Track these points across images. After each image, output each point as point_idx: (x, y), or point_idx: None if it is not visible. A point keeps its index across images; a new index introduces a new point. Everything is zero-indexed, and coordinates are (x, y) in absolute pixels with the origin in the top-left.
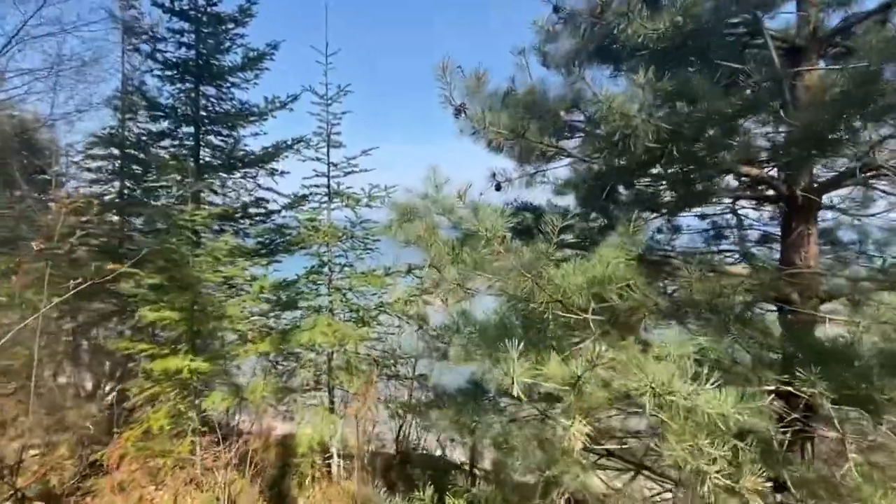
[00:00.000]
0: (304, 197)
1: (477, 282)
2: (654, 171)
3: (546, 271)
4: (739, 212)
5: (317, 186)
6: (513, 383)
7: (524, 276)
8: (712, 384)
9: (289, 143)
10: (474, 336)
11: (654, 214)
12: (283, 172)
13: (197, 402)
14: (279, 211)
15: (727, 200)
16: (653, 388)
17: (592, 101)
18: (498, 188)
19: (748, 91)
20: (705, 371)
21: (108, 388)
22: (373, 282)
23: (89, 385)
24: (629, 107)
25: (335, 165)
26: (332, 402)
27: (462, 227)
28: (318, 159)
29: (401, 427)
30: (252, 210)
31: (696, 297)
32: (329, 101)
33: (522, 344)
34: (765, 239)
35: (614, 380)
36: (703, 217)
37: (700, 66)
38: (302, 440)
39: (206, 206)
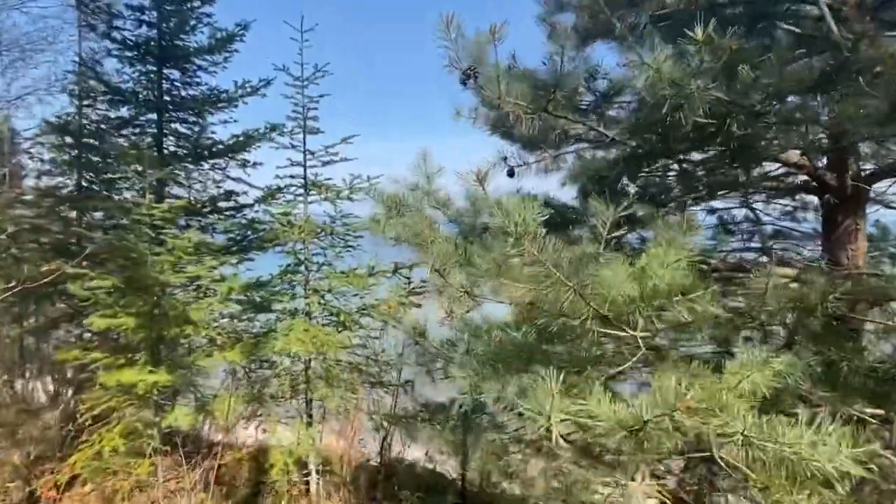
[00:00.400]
0: (279, 189)
1: (485, 287)
2: (678, 157)
3: (594, 279)
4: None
5: (292, 177)
6: (549, 423)
7: (563, 285)
8: (810, 424)
9: (261, 131)
10: (485, 354)
11: (663, 209)
12: (255, 164)
13: (157, 418)
14: (251, 205)
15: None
16: (745, 435)
17: (636, 67)
18: (511, 174)
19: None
20: (788, 402)
21: (67, 398)
22: (355, 282)
23: (45, 395)
24: (681, 73)
25: (312, 154)
26: (309, 415)
27: (463, 222)
28: (294, 146)
29: (385, 437)
30: (221, 204)
31: (768, 307)
32: (305, 83)
33: (553, 370)
34: (777, 235)
35: (685, 421)
36: (712, 212)
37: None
38: (276, 459)
39: (171, 200)
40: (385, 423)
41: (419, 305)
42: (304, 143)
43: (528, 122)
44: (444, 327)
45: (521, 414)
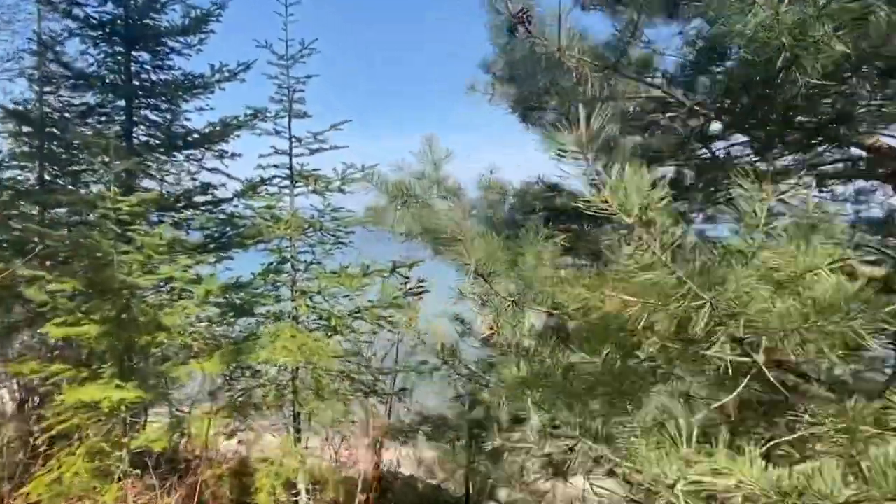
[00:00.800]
0: (262, 181)
1: (541, 297)
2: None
3: (724, 286)
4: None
5: (275, 167)
6: (673, 494)
7: (694, 298)
8: None
9: (241, 118)
10: (553, 386)
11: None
12: (234, 155)
13: (126, 438)
14: (231, 199)
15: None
16: None
17: (745, 8)
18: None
19: None
20: None
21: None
22: (347, 283)
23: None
24: (801, 15)
25: (299, 141)
26: (297, 431)
27: (496, 214)
28: (278, 132)
29: (379, 451)
30: (198, 198)
31: None
32: (290, 62)
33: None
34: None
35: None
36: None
37: None
38: (262, 483)
39: (141, 194)
40: (381, 437)
41: (417, 308)
42: (290, 128)
43: (595, 81)
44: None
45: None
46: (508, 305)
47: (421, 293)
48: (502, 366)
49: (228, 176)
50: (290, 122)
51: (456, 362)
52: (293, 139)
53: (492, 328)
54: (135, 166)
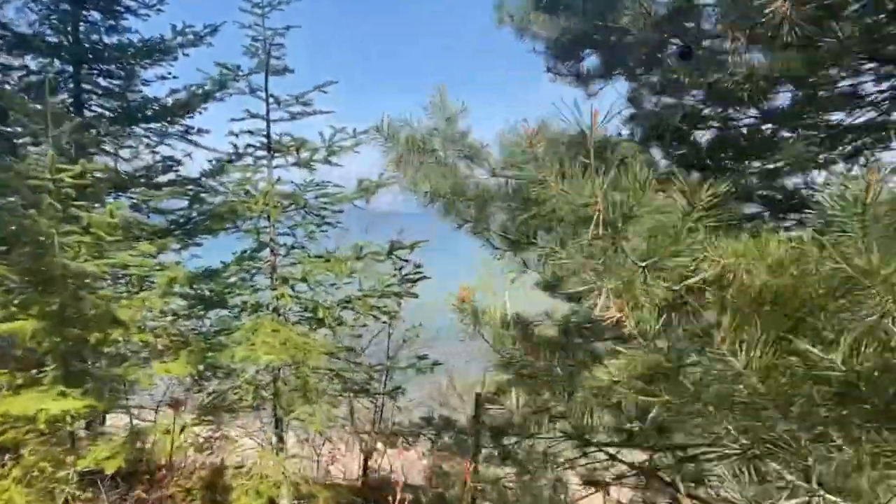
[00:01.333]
0: (236, 152)
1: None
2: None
3: None
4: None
5: (250, 133)
6: None
7: None
8: None
9: (208, 85)
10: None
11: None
12: (200, 130)
13: (72, 456)
14: (198, 179)
15: None
16: None
17: None
18: (687, 55)
19: None
20: None
21: None
22: (336, 268)
23: None
24: None
25: (277, 103)
26: (280, 438)
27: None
28: (253, 90)
29: (370, 456)
30: (160, 179)
31: None
32: (266, 9)
33: None
34: None
35: None
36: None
37: None
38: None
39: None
40: (377, 441)
41: (415, 295)
42: (266, 87)
43: None
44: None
45: None
46: (638, 271)
47: (419, 279)
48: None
49: (195, 145)
50: (266, 79)
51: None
52: (270, 99)
53: (619, 308)
54: (86, 139)
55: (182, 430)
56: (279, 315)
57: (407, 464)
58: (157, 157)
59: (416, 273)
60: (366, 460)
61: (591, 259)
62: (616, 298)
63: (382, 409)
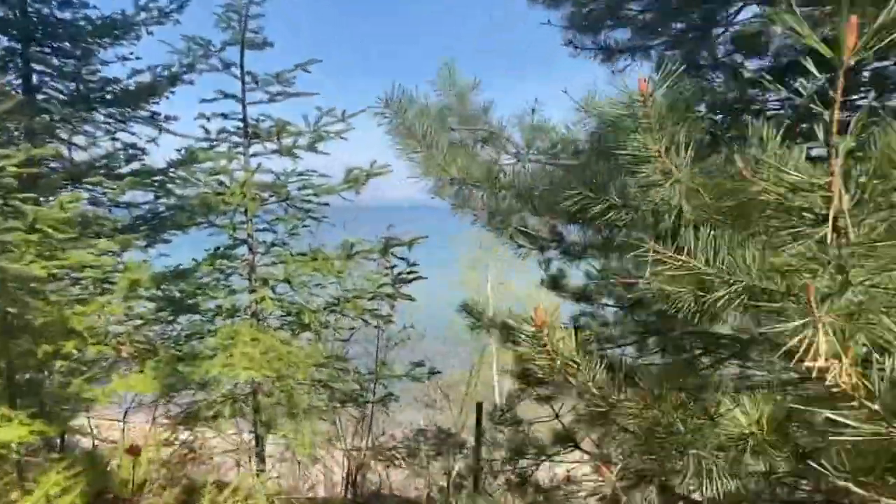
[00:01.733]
0: (210, 142)
1: None
2: None
3: None
4: None
5: (224, 117)
6: None
7: None
8: None
9: (175, 68)
10: None
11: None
12: (168, 118)
13: (16, 493)
14: (166, 169)
15: None
16: None
17: None
18: None
19: None
20: None
21: None
22: (324, 267)
23: None
24: None
25: (255, 82)
26: (260, 458)
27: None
28: (227, 66)
29: (358, 471)
30: (123, 170)
31: None
32: None
33: None
34: None
35: None
36: None
37: None
38: None
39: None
40: (370, 459)
41: (411, 298)
42: (242, 63)
43: None
44: None
45: None
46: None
47: (414, 280)
48: None
49: (164, 130)
50: (242, 53)
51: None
52: (247, 77)
53: (831, 360)
54: (36, 124)
55: (150, 448)
56: (259, 320)
57: (398, 473)
58: (119, 145)
59: (410, 272)
60: (354, 473)
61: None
62: (837, 341)
63: (372, 417)
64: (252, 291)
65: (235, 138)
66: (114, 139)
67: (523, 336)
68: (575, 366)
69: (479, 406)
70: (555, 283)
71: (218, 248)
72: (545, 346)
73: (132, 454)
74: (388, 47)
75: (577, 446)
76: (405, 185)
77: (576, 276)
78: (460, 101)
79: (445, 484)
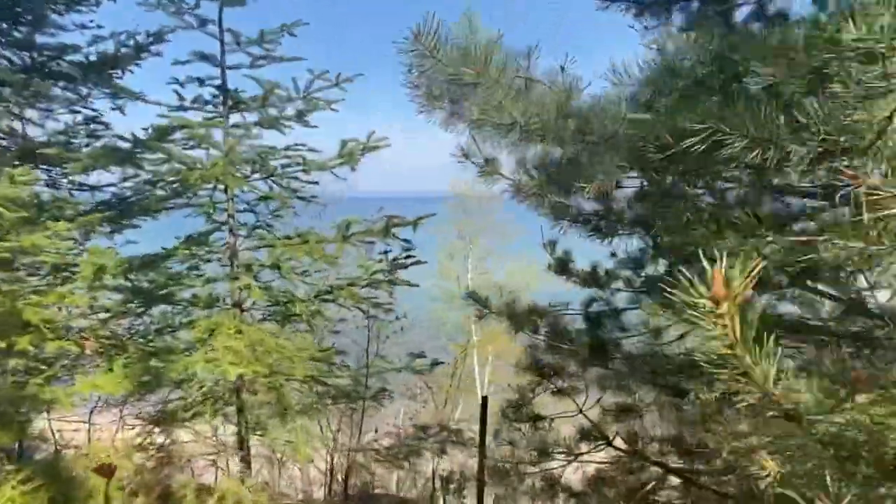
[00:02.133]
0: (185, 110)
1: None
2: None
3: None
4: None
5: (200, 82)
6: None
7: None
8: None
9: (141, 39)
10: None
11: None
12: (137, 97)
13: None
14: (134, 144)
15: None
16: None
17: None
18: None
19: None
20: None
21: None
22: (317, 251)
23: None
24: None
25: (236, 42)
26: (245, 462)
27: None
28: (203, 22)
29: (347, 470)
30: (87, 147)
31: None
32: None
33: None
34: None
35: None
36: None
37: None
38: None
39: None
40: (371, 460)
41: (413, 284)
42: (221, 21)
43: None
44: None
45: None
46: None
47: (413, 264)
48: None
49: (135, 97)
50: (220, 9)
51: None
52: (227, 37)
53: None
54: None
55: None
56: (242, 311)
57: (391, 471)
58: (79, 119)
59: (407, 257)
60: (345, 472)
61: None
62: None
63: (363, 413)
64: (234, 279)
65: (213, 101)
66: (74, 112)
67: (694, 312)
68: (756, 353)
69: (485, 401)
70: (562, 267)
71: (195, 234)
72: (726, 326)
73: (104, 475)
74: (368, 29)
75: (609, 443)
76: (377, 175)
77: (581, 260)
78: (487, 66)
79: (447, 483)
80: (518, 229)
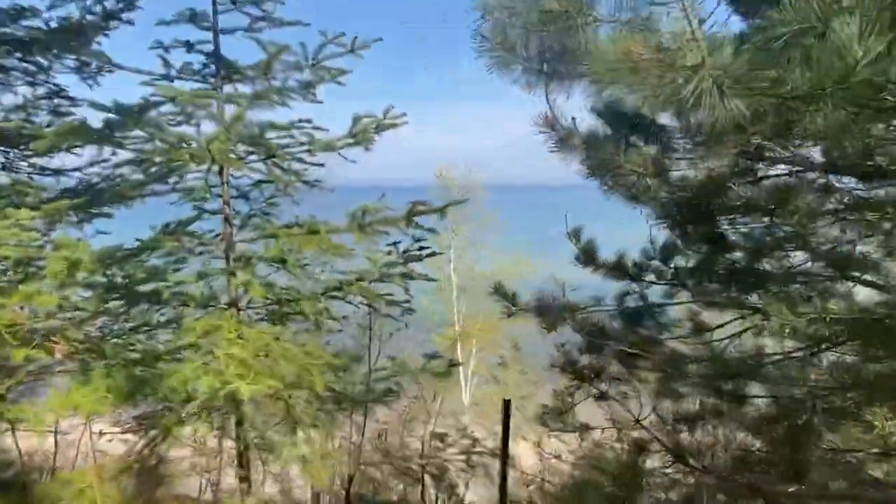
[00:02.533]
0: (170, 80)
1: None
2: None
3: None
4: None
5: (188, 47)
6: None
7: None
8: None
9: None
10: None
11: None
12: (110, 65)
13: None
14: (113, 125)
15: None
16: None
17: None
18: None
19: None
20: None
21: None
22: (327, 243)
23: None
24: None
25: (233, 2)
26: (247, 483)
27: None
28: None
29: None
30: (43, 124)
31: None
32: None
33: None
34: None
35: None
36: None
37: None
38: None
39: None
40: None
41: (431, 279)
42: None
43: None
44: None
45: None
46: None
47: (428, 256)
48: None
49: (113, 64)
50: None
51: None
52: None
53: None
54: None
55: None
56: (240, 311)
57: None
58: (40, 92)
59: (420, 248)
60: (349, 480)
61: None
62: None
63: (366, 416)
64: (231, 274)
65: (203, 71)
66: (32, 84)
67: None
68: None
69: (507, 404)
70: (589, 257)
71: (179, 222)
72: None
73: None
74: (367, 21)
75: (682, 460)
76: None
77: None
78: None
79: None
80: (502, 224)
